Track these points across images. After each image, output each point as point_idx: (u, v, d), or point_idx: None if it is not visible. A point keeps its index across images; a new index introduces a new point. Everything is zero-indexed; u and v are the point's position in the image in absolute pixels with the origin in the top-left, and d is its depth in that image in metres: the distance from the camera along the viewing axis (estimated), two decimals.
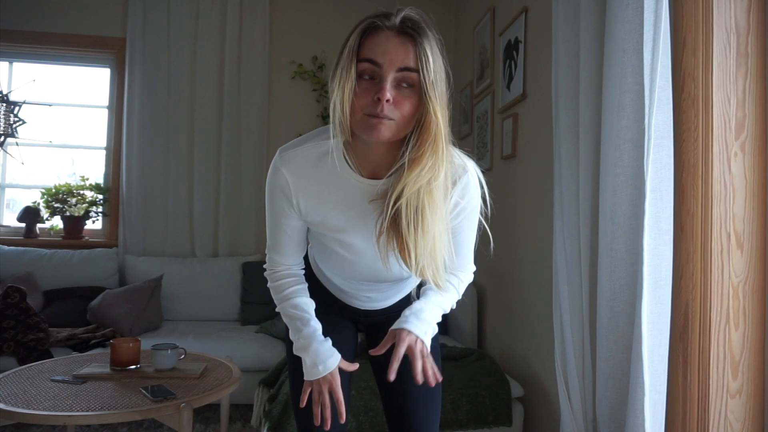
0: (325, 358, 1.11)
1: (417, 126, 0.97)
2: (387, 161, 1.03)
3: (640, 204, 1.30)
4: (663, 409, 1.28)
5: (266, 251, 1.22)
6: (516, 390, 2.25)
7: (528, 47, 2.46)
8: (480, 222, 1.13)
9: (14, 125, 3.46)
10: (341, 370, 1.13)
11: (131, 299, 2.96)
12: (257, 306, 3.26)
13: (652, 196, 1.27)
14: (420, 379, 1.04)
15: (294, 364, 1.23)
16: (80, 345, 2.64)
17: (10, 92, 3.51)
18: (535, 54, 2.39)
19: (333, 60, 0.98)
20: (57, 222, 3.61)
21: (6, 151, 3.51)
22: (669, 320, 1.29)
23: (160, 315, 3.13)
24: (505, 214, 2.62)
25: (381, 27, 0.93)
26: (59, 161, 3.86)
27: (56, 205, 3.48)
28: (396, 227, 1.01)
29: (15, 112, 3.46)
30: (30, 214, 3.47)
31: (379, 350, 1.07)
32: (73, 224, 3.52)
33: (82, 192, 3.55)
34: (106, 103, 3.72)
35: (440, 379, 1.09)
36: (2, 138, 3.44)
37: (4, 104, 3.43)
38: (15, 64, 3.66)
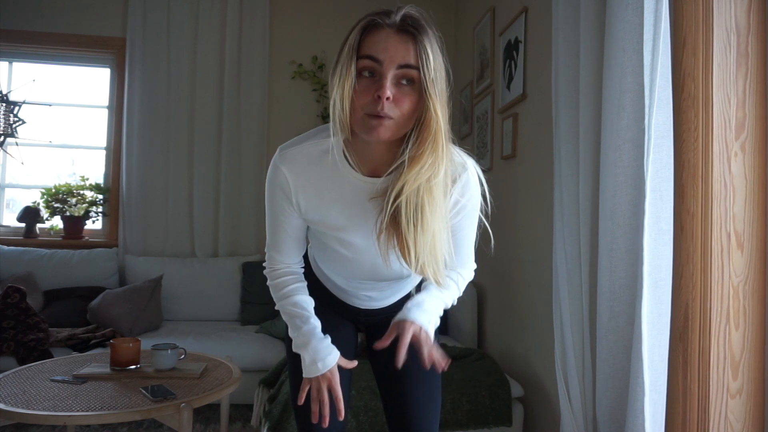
0: (324, 356, 1.11)
1: (417, 124, 0.97)
2: (387, 159, 1.03)
3: (640, 204, 1.29)
4: (663, 409, 1.28)
5: (266, 250, 1.21)
6: (516, 390, 2.25)
7: (528, 47, 2.46)
8: (480, 219, 1.13)
9: (14, 125, 3.46)
10: (341, 370, 1.13)
11: (131, 299, 2.96)
12: (257, 306, 3.25)
13: (652, 196, 1.27)
14: (428, 365, 1.03)
15: (294, 364, 1.23)
16: (80, 345, 2.64)
17: (10, 92, 3.51)
18: (535, 54, 2.39)
19: (333, 60, 0.98)
20: (57, 222, 3.61)
21: (6, 151, 3.51)
22: (669, 320, 1.29)
23: (160, 315, 3.13)
24: (505, 214, 2.62)
25: (381, 24, 0.93)
26: (59, 161, 3.86)
27: (56, 205, 3.48)
28: (396, 225, 1.01)
29: (15, 112, 3.46)
30: (30, 214, 3.47)
31: (384, 342, 1.05)
32: (73, 224, 3.52)
33: (82, 192, 3.55)
34: (106, 103, 3.72)
35: (449, 361, 1.07)
36: (2, 138, 3.44)
37: (4, 104, 3.43)
38: (15, 64, 3.66)
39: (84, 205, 3.53)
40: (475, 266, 1.24)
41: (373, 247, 1.08)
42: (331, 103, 0.96)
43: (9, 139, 3.48)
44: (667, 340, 1.28)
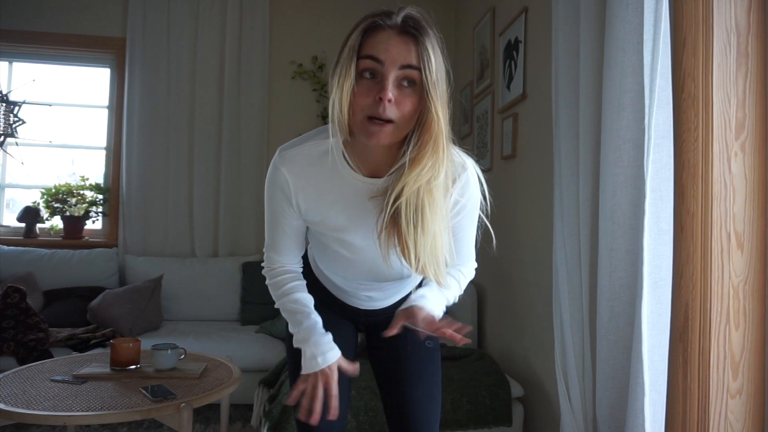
0: (325, 351, 1.09)
1: (418, 125, 0.97)
2: (387, 160, 1.03)
3: (640, 204, 1.29)
4: (663, 409, 1.28)
5: (264, 250, 1.21)
6: (516, 390, 2.25)
7: (528, 47, 2.46)
8: (481, 218, 1.13)
9: (14, 125, 3.46)
10: (341, 372, 1.12)
11: (131, 299, 2.96)
12: (257, 306, 3.25)
13: (652, 196, 1.27)
14: (458, 338, 0.96)
15: (294, 363, 1.23)
16: (80, 345, 2.64)
17: (10, 92, 3.51)
18: (535, 54, 2.39)
19: (333, 60, 0.98)
20: (57, 222, 3.60)
21: (6, 151, 3.51)
22: (669, 320, 1.29)
23: (160, 315, 3.13)
24: (505, 214, 2.62)
25: (382, 25, 0.93)
26: (59, 161, 3.86)
27: (56, 205, 3.48)
28: (396, 226, 1.01)
29: (15, 112, 3.46)
30: (30, 214, 3.47)
31: (392, 330, 1.02)
32: (73, 224, 3.52)
33: (82, 192, 3.55)
34: (106, 103, 3.71)
35: (468, 328, 1.00)
36: (2, 138, 3.44)
37: (4, 104, 3.43)
38: (15, 64, 3.66)
39: (84, 205, 3.53)
40: (476, 264, 1.24)
41: (374, 247, 1.08)
42: (331, 104, 0.96)
43: (9, 139, 3.48)
44: (667, 340, 1.28)
